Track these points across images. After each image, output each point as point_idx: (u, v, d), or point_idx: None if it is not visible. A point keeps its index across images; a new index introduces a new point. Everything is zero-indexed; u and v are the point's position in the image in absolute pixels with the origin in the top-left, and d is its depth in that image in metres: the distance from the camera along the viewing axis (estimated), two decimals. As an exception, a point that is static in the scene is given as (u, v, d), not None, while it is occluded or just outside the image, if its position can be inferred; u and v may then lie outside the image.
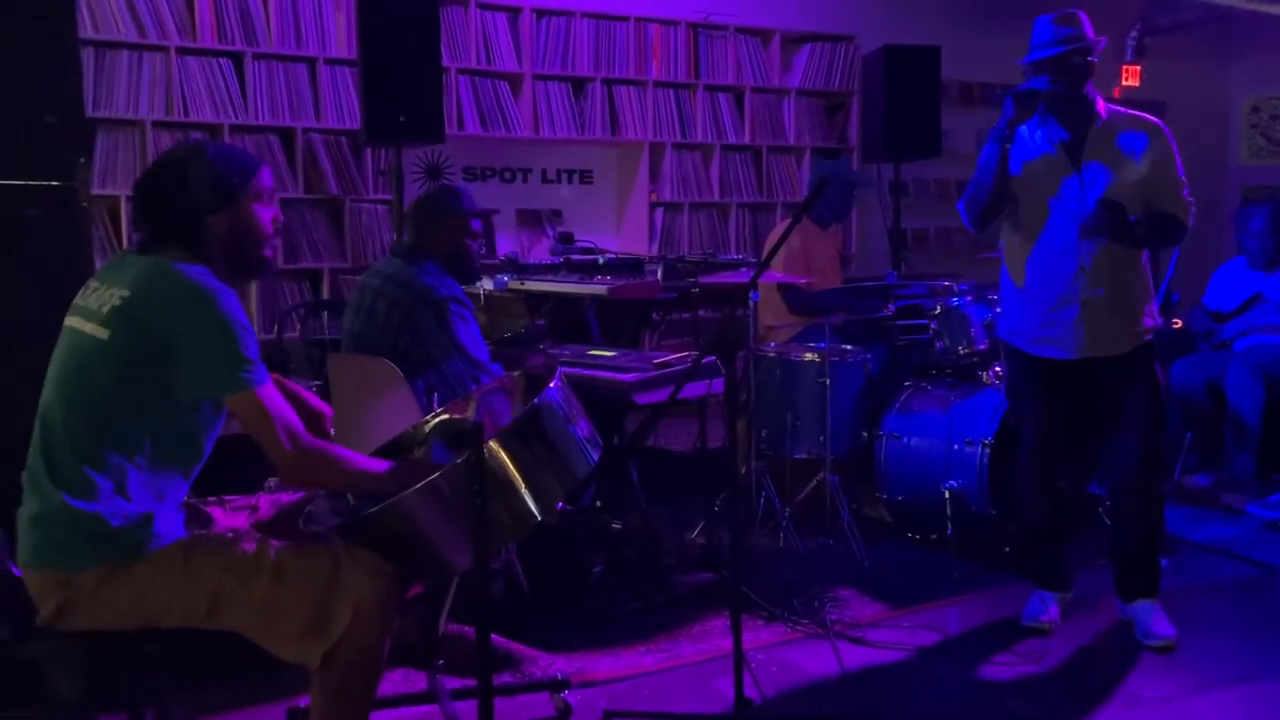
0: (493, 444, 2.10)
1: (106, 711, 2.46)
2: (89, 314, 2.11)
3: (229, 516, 2.36)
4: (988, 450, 3.88)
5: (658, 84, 6.46)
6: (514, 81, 6.04)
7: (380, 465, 2.24)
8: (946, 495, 3.91)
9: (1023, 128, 3.22)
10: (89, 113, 4.67)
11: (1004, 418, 3.90)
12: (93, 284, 2.17)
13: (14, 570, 2.12)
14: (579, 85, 6.25)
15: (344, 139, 5.61)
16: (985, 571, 3.85)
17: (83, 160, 3.02)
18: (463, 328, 3.27)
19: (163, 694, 2.36)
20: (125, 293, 2.08)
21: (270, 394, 2.08)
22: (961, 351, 4.29)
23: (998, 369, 4.25)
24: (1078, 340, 3.23)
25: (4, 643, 2.04)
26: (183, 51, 5.20)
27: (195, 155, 2.20)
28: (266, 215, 2.26)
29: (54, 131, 2.93)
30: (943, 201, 7.46)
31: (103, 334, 2.07)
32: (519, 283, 4.45)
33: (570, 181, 6.47)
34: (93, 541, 2.01)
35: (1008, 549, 3.89)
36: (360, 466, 2.20)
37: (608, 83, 6.30)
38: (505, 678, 2.99)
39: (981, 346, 4.29)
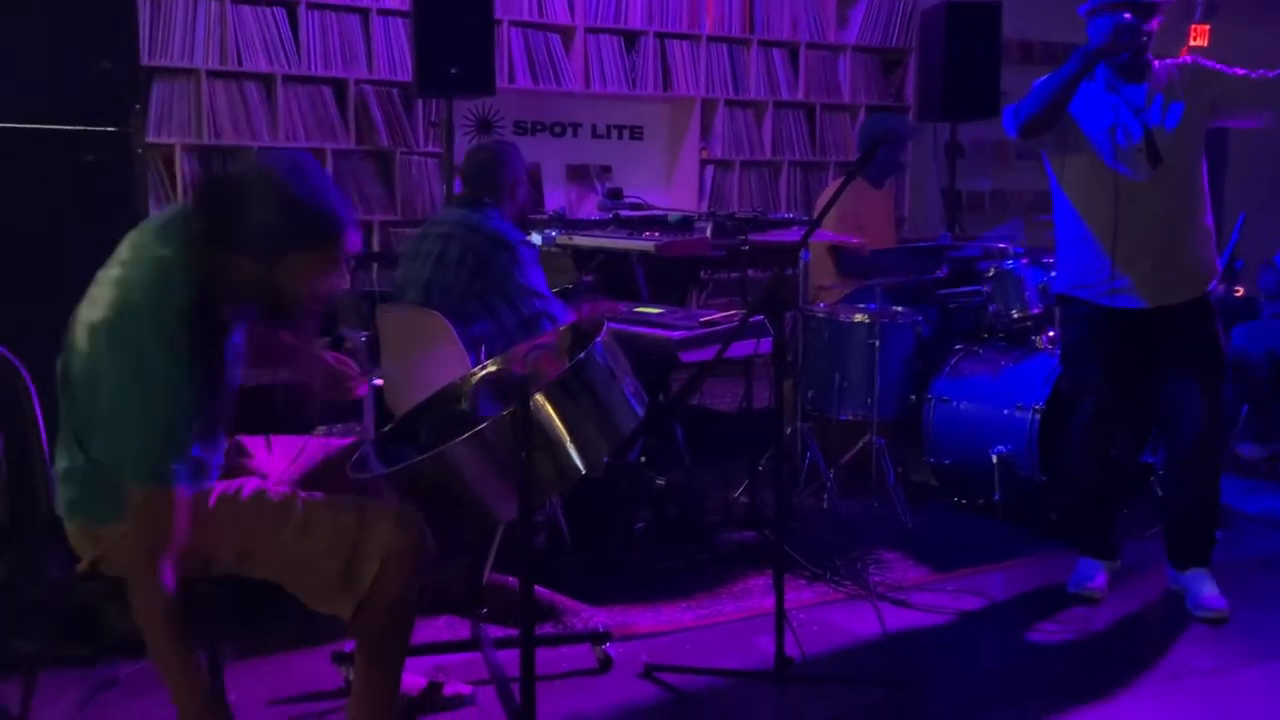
0: (539, 397, 2.10)
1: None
2: (106, 279, 1.99)
3: (270, 458, 2.36)
4: (1039, 416, 3.83)
5: (711, 39, 6.38)
6: (566, 34, 6.00)
7: (195, 680, 1.92)
8: (995, 460, 3.87)
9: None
10: (145, 61, 4.71)
11: (1056, 383, 3.84)
12: (119, 250, 2.05)
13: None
14: (631, 39, 6.19)
15: (395, 90, 5.60)
16: (1032, 538, 3.81)
17: (138, 107, 3.04)
18: (534, 269, 3.35)
19: (214, 635, 2.41)
20: (124, 259, 1.97)
21: (164, 504, 1.85)
22: (1015, 315, 4.22)
23: (1051, 334, 4.18)
24: (1147, 289, 3.18)
25: (59, 584, 2.08)
26: (237, 0, 5.21)
27: (267, 192, 1.90)
28: (323, 283, 1.98)
29: (111, 79, 2.95)
30: (1000, 163, 7.32)
31: (95, 315, 1.94)
32: (567, 238, 4.44)
33: (620, 137, 6.43)
34: (117, 495, 1.97)
35: (1055, 516, 3.84)
36: (176, 657, 1.89)
37: (660, 36, 6.23)
38: (547, 628, 3.02)
39: (1035, 310, 4.21)
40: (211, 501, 2.07)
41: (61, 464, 2.07)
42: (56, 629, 2.07)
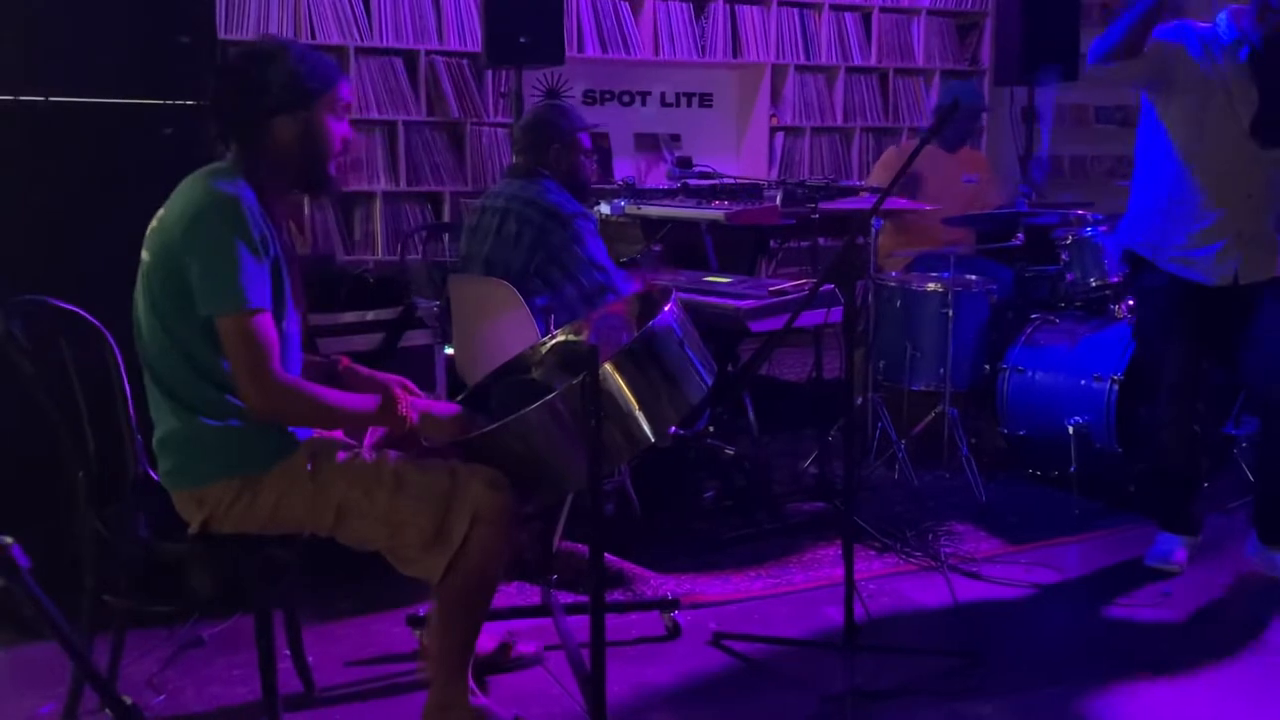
0: (608, 366, 2.11)
1: (240, 611, 2.60)
2: (145, 239, 2.13)
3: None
4: (1117, 386, 3.75)
5: (781, 3, 6.30)
6: (635, 2, 5.96)
7: (366, 403, 2.16)
8: (1071, 431, 3.79)
9: (1208, 33, 3.06)
10: (221, 35, 4.78)
11: (1135, 353, 3.76)
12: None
13: (151, 474, 2.24)
14: (700, 5, 6.13)
15: (465, 61, 5.63)
16: (1108, 511, 3.74)
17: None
18: (593, 241, 3.30)
19: (290, 598, 2.48)
20: (162, 211, 2.11)
21: (260, 323, 2.00)
22: (1093, 284, 4.12)
23: (1130, 303, 4.08)
24: (1223, 269, 3.11)
25: (145, 543, 2.15)
26: (310, -27, 5.27)
27: (279, 50, 2.13)
28: (338, 129, 2.18)
29: (188, 52, 2.99)
30: (1080, 128, 7.13)
31: (146, 257, 2.11)
32: (635, 207, 4.43)
33: (689, 105, 6.39)
34: (217, 454, 2.09)
35: (1133, 488, 3.76)
36: (338, 404, 2.12)
37: (730, 2, 6.17)
38: (616, 595, 3.04)
39: (1114, 279, 4.11)
40: (308, 465, 2.13)
41: (157, 433, 2.15)
42: (143, 587, 2.14)
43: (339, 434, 2.27)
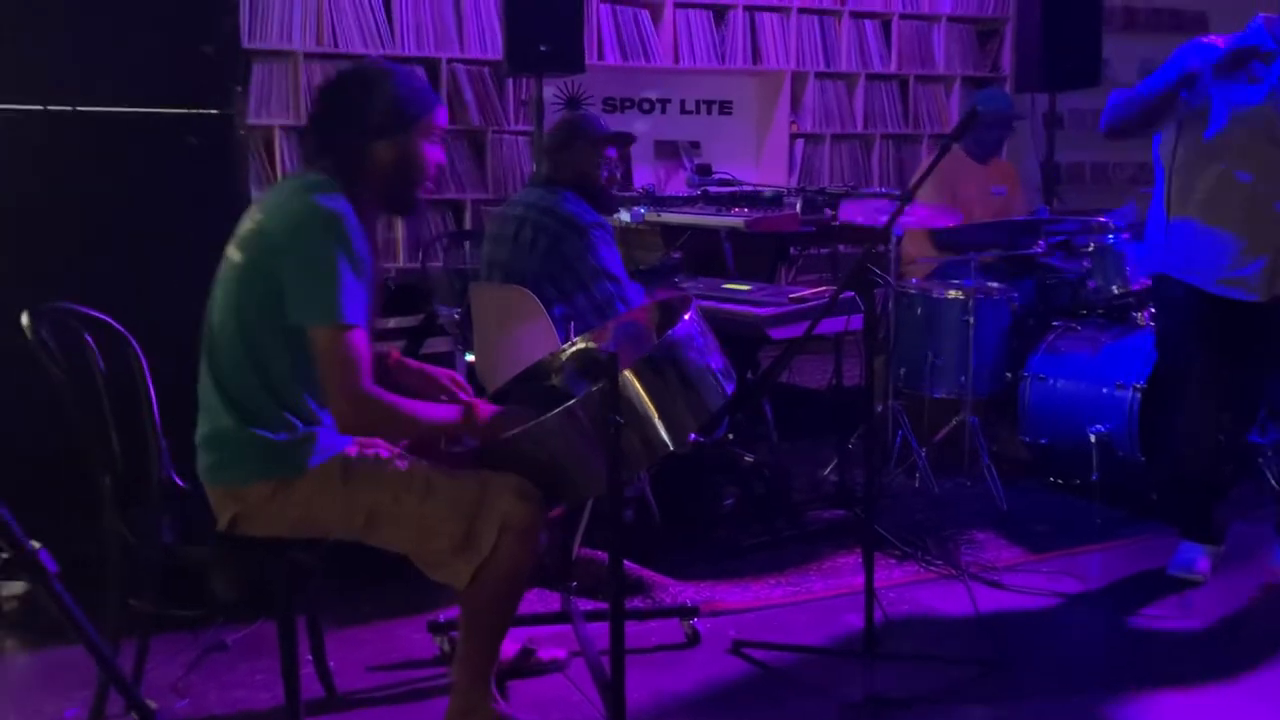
0: (627, 373, 2.11)
1: (263, 616, 2.62)
2: (236, 238, 2.19)
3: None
4: (1139, 394, 3.73)
5: (801, 11, 6.30)
6: (655, 10, 5.98)
7: (449, 413, 2.22)
8: (1093, 439, 3.77)
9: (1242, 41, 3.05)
10: (245, 44, 4.82)
11: (1158, 361, 3.73)
12: (252, 206, 2.24)
13: (175, 479, 2.26)
14: (720, 13, 6.14)
15: (486, 70, 5.66)
16: (1131, 519, 3.71)
17: (239, 89, 3.12)
18: (607, 250, 3.31)
19: (313, 602, 2.49)
20: (260, 216, 2.15)
21: (353, 336, 2.05)
22: (1115, 291, 4.10)
23: (1153, 310, 4.05)
24: (1265, 280, 3.08)
25: (169, 547, 2.17)
26: (332, -18, 5.30)
27: (381, 76, 2.19)
28: (432, 154, 2.25)
29: (212, 62, 3.02)
30: (1101, 134, 7.08)
31: (237, 257, 2.15)
32: (655, 215, 4.44)
33: (709, 112, 6.40)
34: (258, 458, 2.12)
35: (1155, 497, 3.74)
36: (424, 415, 2.17)
37: (750, 10, 6.18)
38: (636, 603, 3.04)
39: (1137, 286, 4.09)
40: (341, 469, 2.16)
41: (203, 429, 2.18)
42: (167, 591, 2.17)
43: (377, 440, 2.29)
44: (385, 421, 2.13)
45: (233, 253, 2.17)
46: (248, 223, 2.18)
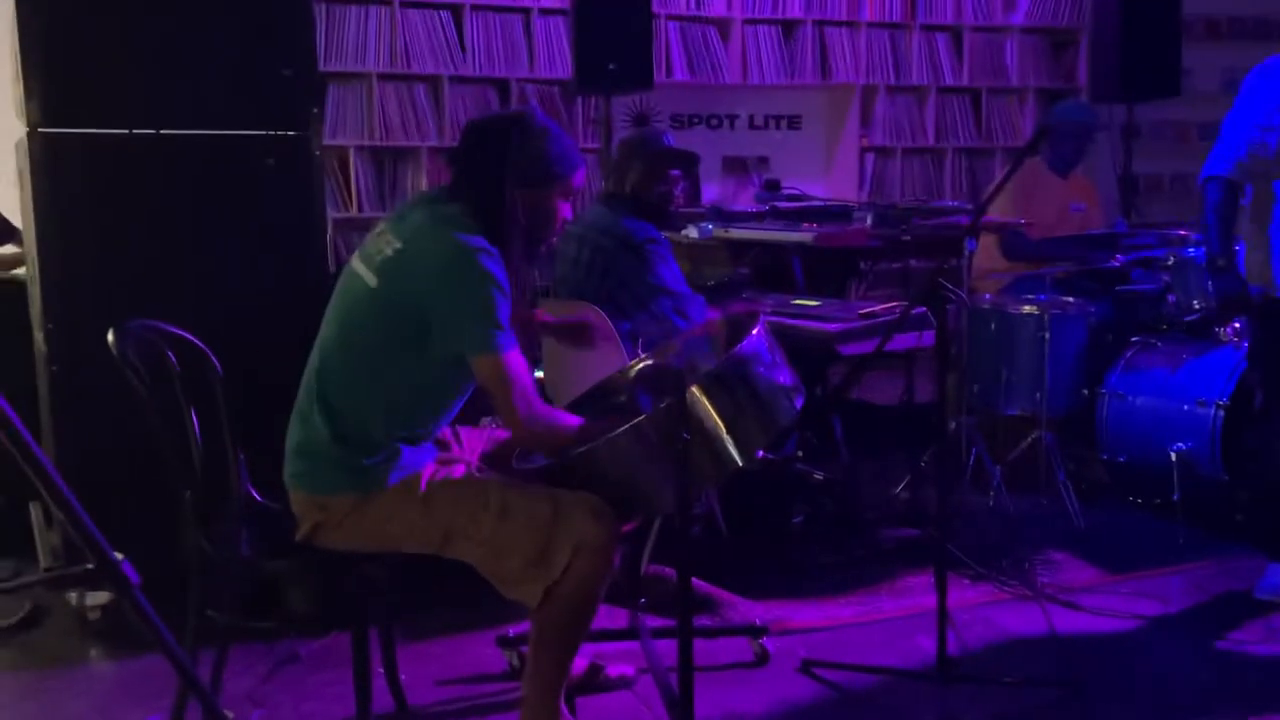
0: (695, 390, 2.11)
1: (339, 628, 2.66)
2: (368, 259, 2.23)
3: (461, 449, 2.47)
4: (1222, 412, 3.62)
5: (871, 24, 6.27)
6: (723, 26, 5.99)
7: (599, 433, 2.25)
8: (1174, 458, 3.67)
9: None
10: (320, 66, 4.93)
11: (1241, 378, 3.63)
12: (381, 226, 2.29)
13: (254, 494, 2.31)
14: (789, 28, 6.13)
15: (556, 89, 5.71)
16: (1214, 540, 3.61)
17: (315, 111, 3.18)
18: (664, 267, 3.32)
19: (385, 616, 2.52)
20: (399, 245, 2.18)
21: (513, 360, 2.14)
22: (1196, 306, 3.99)
23: (1237, 325, 3.94)
24: None
25: (247, 561, 2.22)
26: (405, 4, 5.40)
27: (538, 130, 2.25)
28: (563, 211, 2.31)
29: (290, 84, 3.09)
30: (1181, 145, 6.93)
31: (372, 281, 2.19)
32: (723, 231, 4.43)
33: (778, 127, 6.38)
34: (346, 473, 2.18)
35: (1240, 517, 3.63)
36: (589, 426, 2.24)
37: (819, 25, 6.16)
38: (704, 620, 3.03)
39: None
40: (423, 484, 2.20)
41: (297, 437, 2.24)
42: (245, 603, 2.21)
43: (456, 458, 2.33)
44: (555, 434, 2.23)
45: (365, 273, 2.21)
46: (383, 247, 2.21)
